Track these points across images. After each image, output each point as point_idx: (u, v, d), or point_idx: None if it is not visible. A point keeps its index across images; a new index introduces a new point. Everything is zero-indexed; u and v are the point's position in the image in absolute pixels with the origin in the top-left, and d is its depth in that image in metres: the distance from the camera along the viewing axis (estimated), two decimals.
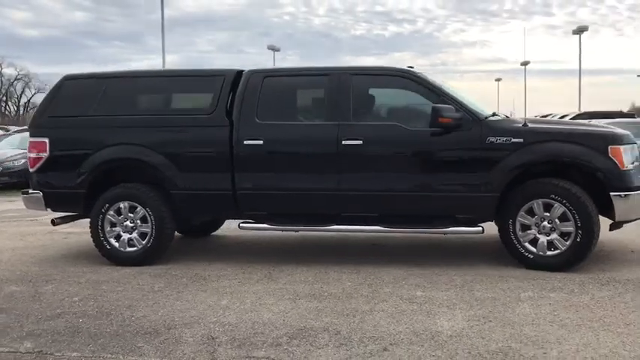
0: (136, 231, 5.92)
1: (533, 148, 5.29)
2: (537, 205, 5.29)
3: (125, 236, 5.94)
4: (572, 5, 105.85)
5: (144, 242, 5.89)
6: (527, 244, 5.36)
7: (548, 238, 5.30)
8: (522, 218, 5.36)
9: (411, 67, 5.88)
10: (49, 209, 6.21)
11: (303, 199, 5.67)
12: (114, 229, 5.96)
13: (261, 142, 5.65)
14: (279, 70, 6.05)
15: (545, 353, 3.50)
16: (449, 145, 5.42)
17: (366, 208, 5.60)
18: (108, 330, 4.10)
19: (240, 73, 5.95)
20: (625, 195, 5.20)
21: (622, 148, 5.27)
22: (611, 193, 5.18)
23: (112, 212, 5.93)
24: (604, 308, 4.28)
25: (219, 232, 7.58)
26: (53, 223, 6.35)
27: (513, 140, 5.30)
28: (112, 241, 5.95)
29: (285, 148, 5.71)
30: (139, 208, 5.87)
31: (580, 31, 49.74)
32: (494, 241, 5.90)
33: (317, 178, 5.63)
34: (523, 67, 62.50)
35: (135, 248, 5.92)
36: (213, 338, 3.90)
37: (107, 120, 6.02)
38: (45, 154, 6.06)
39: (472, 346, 3.64)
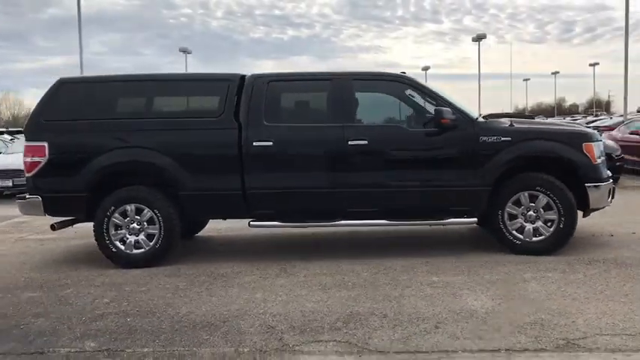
0: (143, 233, 5.97)
1: (520, 145, 5.91)
2: (524, 196, 5.92)
3: (131, 238, 5.97)
4: (459, 13, 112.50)
5: (151, 244, 5.95)
6: (514, 232, 5.98)
7: (534, 225, 5.95)
8: (510, 208, 5.97)
9: (403, 72, 6.34)
10: (47, 214, 6.11)
11: (311, 197, 5.98)
12: (119, 231, 5.98)
13: (270, 143, 5.90)
14: (283, 75, 6.29)
15: (573, 322, 4.05)
16: (446, 144, 5.93)
17: (371, 203, 5.99)
18: (163, 327, 4.21)
19: (243, 77, 6.16)
20: (597, 186, 5.95)
21: (593, 144, 6.02)
22: (587, 184, 5.91)
23: (117, 215, 5.95)
24: (599, 283, 4.93)
25: (202, 233, 7.69)
26: (53, 228, 6.24)
27: (503, 139, 5.90)
28: (118, 243, 5.97)
29: (294, 149, 5.99)
30: (146, 210, 5.93)
31: (479, 38, 53.25)
32: (472, 232, 6.48)
33: (325, 177, 5.95)
34: (424, 72, 65.89)
35: (142, 250, 5.96)
36: (272, 327, 4.13)
37: (112, 123, 6.03)
38: (44, 158, 5.96)
39: (510, 319, 4.13)
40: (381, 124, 6.25)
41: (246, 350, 3.76)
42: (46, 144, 5.95)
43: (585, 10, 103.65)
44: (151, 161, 5.91)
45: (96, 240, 6.00)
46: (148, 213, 5.93)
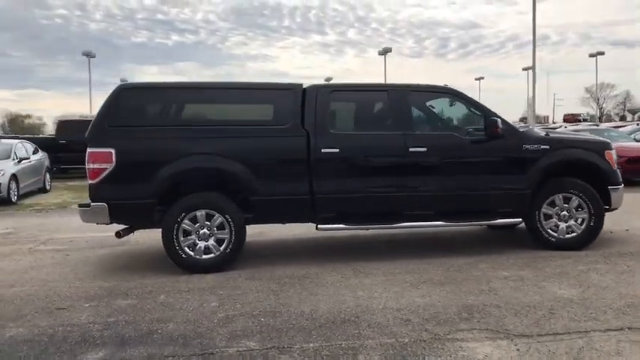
0: (213, 238, 6.04)
1: (557, 153, 6.63)
2: (558, 198, 6.64)
3: (201, 244, 6.02)
4: (343, 26, 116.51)
5: (222, 248, 6.03)
6: (549, 230, 6.68)
7: (566, 224, 6.68)
8: (545, 209, 6.66)
9: (446, 84, 6.89)
10: (112, 222, 6.01)
11: (375, 201, 6.33)
12: (188, 237, 6.00)
13: (337, 150, 6.20)
14: (344, 85, 6.64)
15: None
16: (495, 151, 6.52)
17: (429, 206, 6.45)
18: (303, 324, 4.38)
19: (302, 87, 6.44)
20: (616, 188, 6.79)
21: (612, 152, 6.87)
22: (609, 187, 6.73)
23: (186, 221, 5.98)
24: None
25: None
26: (119, 235, 6.13)
27: (542, 147, 6.59)
28: (187, 249, 5.99)
29: (359, 156, 6.33)
30: (216, 216, 6.01)
31: (385, 52, 55.70)
32: (486, 233, 7.11)
33: (387, 181, 6.34)
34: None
35: (212, 255, 6.03)
36: (408, 320, 4.45)
37: (182, 130, 6.07)
38: (110, 165, 5.87)
39: (605, 304, 4.72)
40: (437, 132, 6.74)
41: (406, 341, 4.06)
42: (113, 150, 5.87)
43: (459, 27, 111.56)
44: (225, 168, 6.01)
45: (165, 247, 5.99)
46: (218, 218, 6.01)
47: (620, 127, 23.02)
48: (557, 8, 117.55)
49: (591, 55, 56.90)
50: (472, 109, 6.68)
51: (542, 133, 6.82)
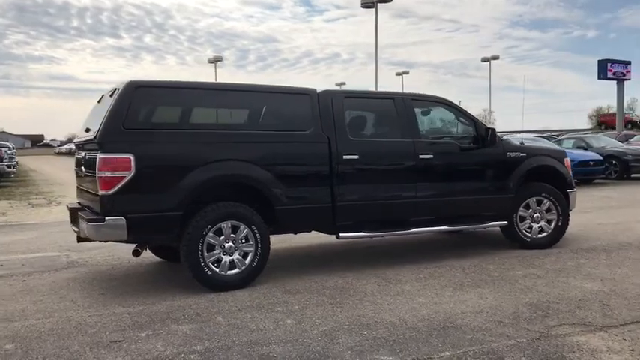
0: (238, 251, 5.60)
1: (532, 160, 7.28)
2: (532, 201, 7.30)
3: (226, 258, 5.54)
4: (139, 31, 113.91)
5: (247, 262, 5.61)
6: (524, 231, 7.32)
7: (538, 225, 7.36)
8: (521, 212, 7.29)
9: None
10: (130, 238, 5.24)
11: (390, 208, 6.37)
12: (212, 252, 5.49)
13: (356, 157, 6.14)
14: (353, 92, 6.53)
15: None
16: (487, 158, 6.96)
17: (434, 212, 6.66)
18: (413, 334, 4.29)
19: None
20: (573, 192, 7.67)
21: (568, 160, 7.74)
22: (568, 190, 7.57)
23: (211, 234, 5.46)
24: (632, 263, 6.52)
25: None
26: (138, 253, 5.36)
27: (521, 154, 7.20)
28: (212, 265, 5.47)
29: (376, 162, 6.31)
30: (242, 227, 5.57)
31: (215, 60, 55.42)
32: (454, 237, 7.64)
33: (401, 188, 6.42)
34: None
35: (237, 270, 5.57)
36: (500, 321, 4.59)
37: (205, 134, 5.52)
38: (129, 173, 5.13)
39: (635, 293, 5.35)
40: (439, 140, 6.96)
41: (524, 340, 4.18)
42: (131, 156, 5.14)
43: (258, 40, 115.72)
44: (254, 175, 5.60)
45: (189, 264, 5.40)
46: (244, 230, 5.58)
47: None
48: (348, 29, 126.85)
49: (398, 74, 61.90)
50: (461, 118, 7.05)
51: (519, 142, 7.45)
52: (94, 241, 5.62)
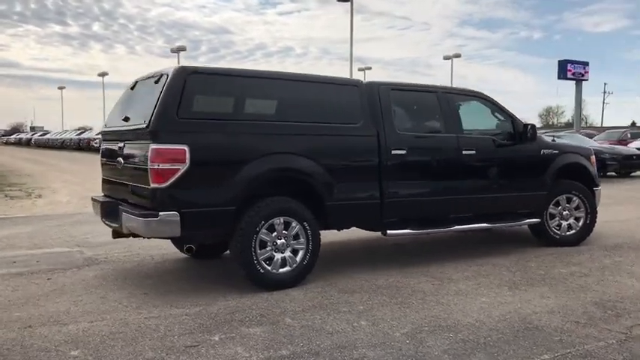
0: (289, 249, 5.34)
1: (564, 157, 7.25)
2: (562, 199, 7.28)
3: (278, 256, 5.28)
4: (87, 18, 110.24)
5: (298, 260, 5.37)
6: (554, 228, 7.29)
7: (567, 222, 7.35)
8: (551, 209, 7.25)
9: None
10: (183, 234, 4.91)
11: (434, 204, 6.21)
12: (265, 249, 5.22)
13: (404, 151, 5.95)
14: (398, 84, 6.28)
15: None
16: (524, 154, 6.89)
17: (474, 209, 6.54)
18: (498, 336, 4.15)
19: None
20: (599, 189, 7.69)
21: (594, 158, 7.75)
22: (594, 188, 7.59)
23: (264, 230, 5.19)
24: None
25: None
26: (191, 251, 5.04)
27: (554, 151, 7.15)
28: (264, 263, 5.21)
29: (423, 157, 6.15)
30: (294, 224, 5.32)
31: (178, 50, 54.23)
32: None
33: (445, 184, 6.27)
34: (101, 77, 65.85)
35: (288, 268, 5.32)
36: (577, 322, 4.49)
37: (260, 126, 5.23)
38: (183, 165, 4.81)
39: None
40: (480, 135, 6.82)
41: (614, 341, 4.09)
42: (186, 147, 4.82)
43: (210, 31, 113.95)
44: (309, 170, 5.36)
45: (241, 262, 5.11)
46: (296, 226, 5.33)
47: None
48: (301, 22, 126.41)
49: (360, 69, 61.47)
50: (497, 114, 6.95)
51: (550, 139, 7.41)
52: (138, 237, 5.28)
